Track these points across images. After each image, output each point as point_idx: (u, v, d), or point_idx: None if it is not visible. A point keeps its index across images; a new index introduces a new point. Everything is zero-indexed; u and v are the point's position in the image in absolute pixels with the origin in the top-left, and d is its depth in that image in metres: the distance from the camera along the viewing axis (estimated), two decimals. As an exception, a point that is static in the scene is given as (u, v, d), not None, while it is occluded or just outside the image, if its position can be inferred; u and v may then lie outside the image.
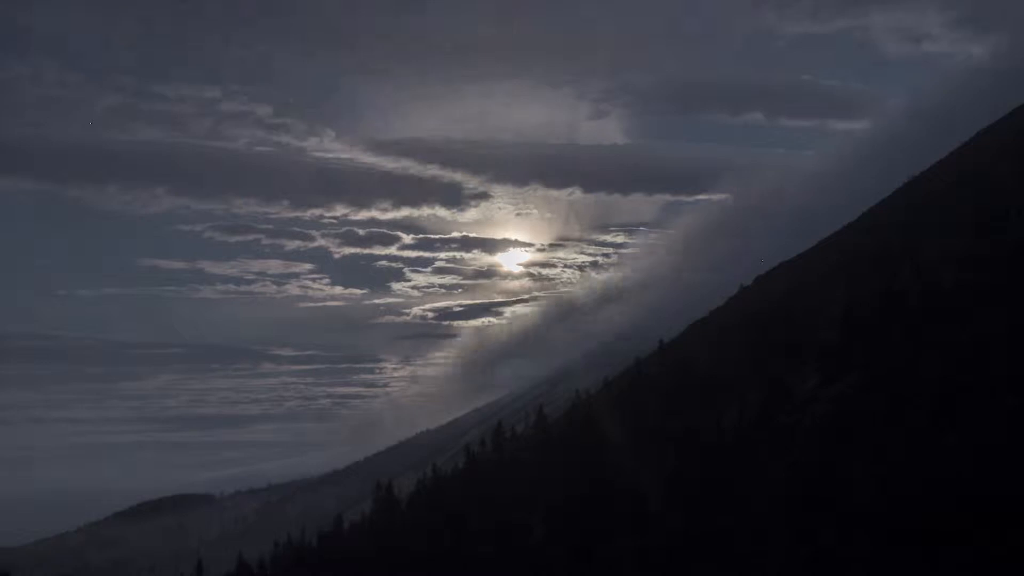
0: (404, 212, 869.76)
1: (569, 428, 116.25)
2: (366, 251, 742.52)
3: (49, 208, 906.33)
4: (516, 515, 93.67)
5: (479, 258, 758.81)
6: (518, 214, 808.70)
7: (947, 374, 71.05)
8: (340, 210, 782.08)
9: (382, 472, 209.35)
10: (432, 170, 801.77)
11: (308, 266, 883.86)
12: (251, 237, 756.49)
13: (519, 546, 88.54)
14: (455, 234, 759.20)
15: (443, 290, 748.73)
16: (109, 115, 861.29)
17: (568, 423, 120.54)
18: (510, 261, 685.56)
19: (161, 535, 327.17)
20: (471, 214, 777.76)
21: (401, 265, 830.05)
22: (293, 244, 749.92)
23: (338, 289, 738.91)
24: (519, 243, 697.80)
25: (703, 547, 71.83)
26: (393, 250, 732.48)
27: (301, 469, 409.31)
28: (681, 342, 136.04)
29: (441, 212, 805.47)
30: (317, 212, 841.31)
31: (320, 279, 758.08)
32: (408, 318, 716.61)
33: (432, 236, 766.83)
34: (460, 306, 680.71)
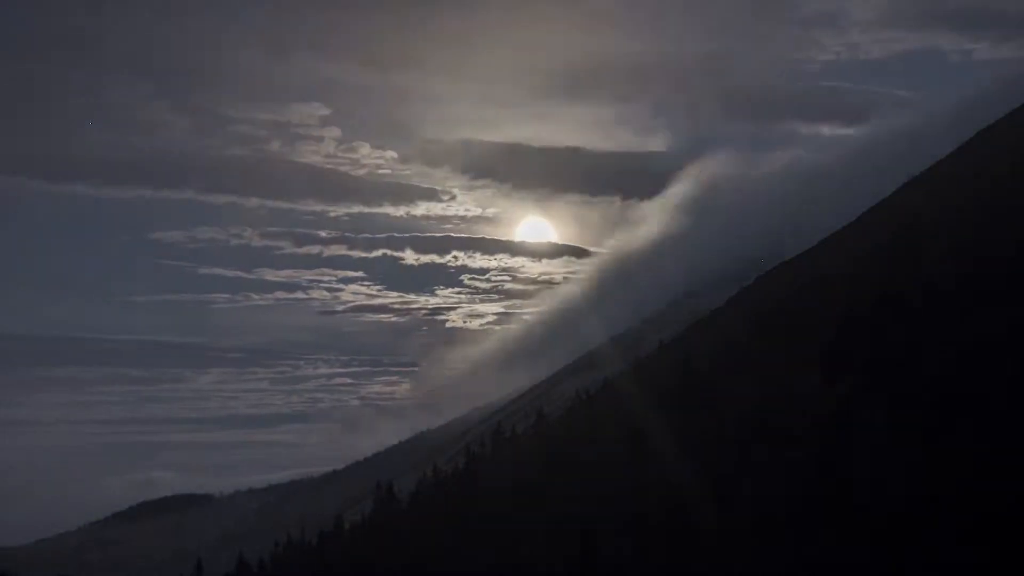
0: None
1: (569, 429, 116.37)
2: (424, 258, 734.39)
3: (113, 215, 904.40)
4: (516, 515, 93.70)
5: (532, 266, 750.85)
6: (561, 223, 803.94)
7: (947, 374, 71.03)
8: (399, 215, 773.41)
9: (382, 472, 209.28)
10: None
11: (360, 273, 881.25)
12: (307, 247, 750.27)
13: (519, 545, 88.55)
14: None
15: (497, 296, 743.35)
16: (189, 129, 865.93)
17: (568, 423, 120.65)
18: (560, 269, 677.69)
19: (161, 535, 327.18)
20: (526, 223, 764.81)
21: (454, 272, 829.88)
22: (348, 252, 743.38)
23: (392, 295, 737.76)
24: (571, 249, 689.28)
25: (703, 546, 71.84)
26: (448, 258, 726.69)
27: (301, 469, 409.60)
28: (681, 342, 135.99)
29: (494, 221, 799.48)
30: (372, 221, 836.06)
31: (372, 285, 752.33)
32: (452, 324, 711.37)
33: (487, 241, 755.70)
34: (503, 312, 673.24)
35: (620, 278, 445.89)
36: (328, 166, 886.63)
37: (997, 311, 73.88)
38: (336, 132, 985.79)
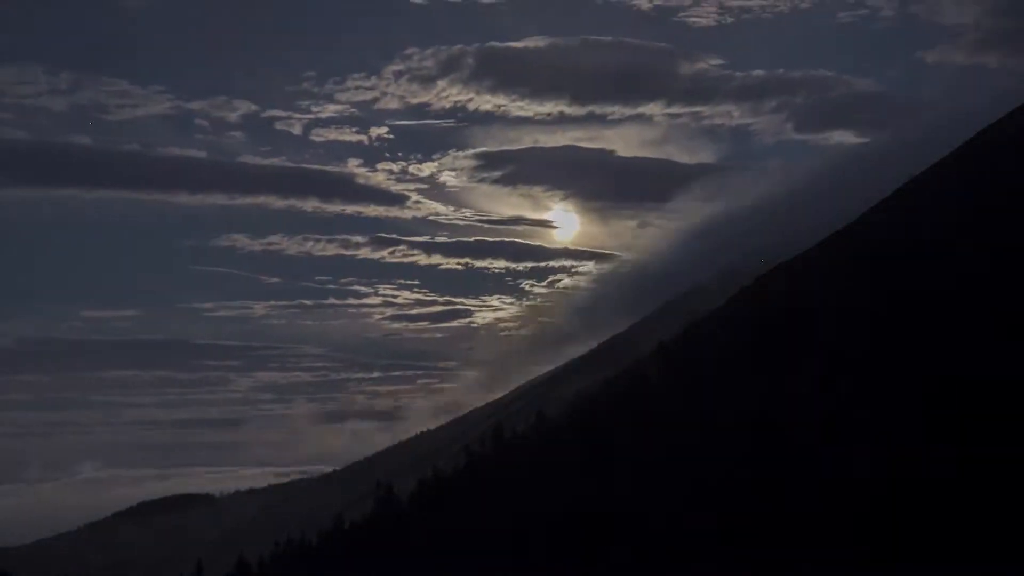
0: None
1: (570, 429, 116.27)
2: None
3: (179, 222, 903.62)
4: (516, 515, 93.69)
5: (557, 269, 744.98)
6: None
7: (947, 373, 71.10)
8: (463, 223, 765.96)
9: (382, 472, 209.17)
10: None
11: (416, 281, 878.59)
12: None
13: (520, 545, 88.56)
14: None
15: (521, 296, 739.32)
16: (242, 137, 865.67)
17: (569, 423, 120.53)
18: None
19: (161, 535, 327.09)
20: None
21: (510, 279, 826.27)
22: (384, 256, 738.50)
23: (445, 299, 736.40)
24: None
25: (703, 545, 71.84)
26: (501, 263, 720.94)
27: (301, 469, 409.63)
28: (681, 342, 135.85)
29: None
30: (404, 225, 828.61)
31: (418, 290, 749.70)
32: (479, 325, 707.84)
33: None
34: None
35: (633, 279, 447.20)
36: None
37: (997, 311, 74.03)
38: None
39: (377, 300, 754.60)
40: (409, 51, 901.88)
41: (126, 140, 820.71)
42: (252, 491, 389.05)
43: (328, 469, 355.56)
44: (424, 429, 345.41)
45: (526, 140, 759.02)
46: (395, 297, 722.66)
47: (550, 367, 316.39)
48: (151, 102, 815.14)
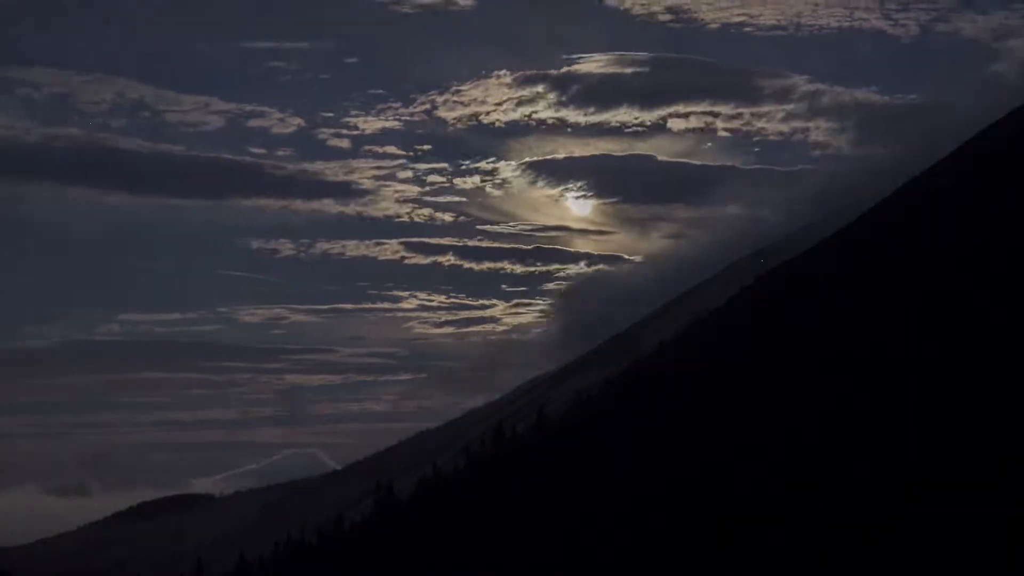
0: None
1: (570, 429, 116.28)
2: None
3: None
4: (516, 514, 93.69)
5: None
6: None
7: (948, 373, 71.12)
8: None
9: (382, 472, 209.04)
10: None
11: (449, 285, 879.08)
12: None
13: (520, 545, 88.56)
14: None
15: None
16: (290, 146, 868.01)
17: (569, 423, 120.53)
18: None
19: (161, 535, 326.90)
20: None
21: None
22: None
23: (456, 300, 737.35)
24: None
25: (703, 545, 71.86)
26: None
27: (301, 469, 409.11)
28: (681, 342, 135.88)
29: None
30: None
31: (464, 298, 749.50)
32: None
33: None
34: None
35: (633, 281, 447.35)
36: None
37: (995, 310, 74.03)
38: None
39: (412, 304, 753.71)
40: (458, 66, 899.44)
41: (174, 144, 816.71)
42: (252, 491, 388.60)
43: (328, 469, 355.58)
44: (424, 429, 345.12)
45: (569, 149, 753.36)
46: (430, 301, 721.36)
47: (550, 367, 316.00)
48: (200, 109, 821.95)
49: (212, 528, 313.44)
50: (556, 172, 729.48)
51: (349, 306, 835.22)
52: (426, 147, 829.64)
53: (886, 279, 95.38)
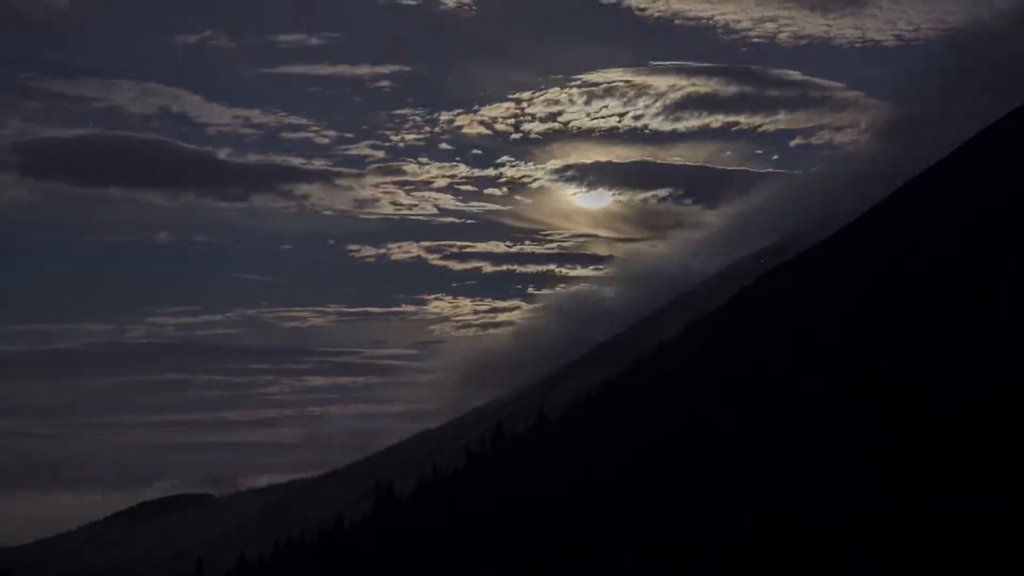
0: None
1: (570, 429, 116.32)
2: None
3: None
4: (516, 514, 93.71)
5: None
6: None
7: (949, 373, 71.09)
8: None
9: (382, 472, 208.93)
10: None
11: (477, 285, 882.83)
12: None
13: (520, 545, 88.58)
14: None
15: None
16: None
17: (569, 423, 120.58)
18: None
19: (161, 535, 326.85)
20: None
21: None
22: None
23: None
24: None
25: (702, 545, 71.86)
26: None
27: (301, 469, 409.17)
28: (681, 342, 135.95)
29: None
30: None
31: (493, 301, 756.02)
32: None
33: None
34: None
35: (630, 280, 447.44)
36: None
37: (996, 309, 74.02)
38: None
39: (441, 306, 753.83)
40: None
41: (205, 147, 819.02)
42: (252, 491, 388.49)
43: (328, 469, 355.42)
44: (424, 429, 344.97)
45: (595, 156, 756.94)
46: (458, 304, 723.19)
47: (550, 367, 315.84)
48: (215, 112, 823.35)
49: (212, 528, 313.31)
50: (584, 177, 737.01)
51: (376, 310, 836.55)
52: (454, 155, 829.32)
53: (886, 278, 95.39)
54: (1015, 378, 66.46)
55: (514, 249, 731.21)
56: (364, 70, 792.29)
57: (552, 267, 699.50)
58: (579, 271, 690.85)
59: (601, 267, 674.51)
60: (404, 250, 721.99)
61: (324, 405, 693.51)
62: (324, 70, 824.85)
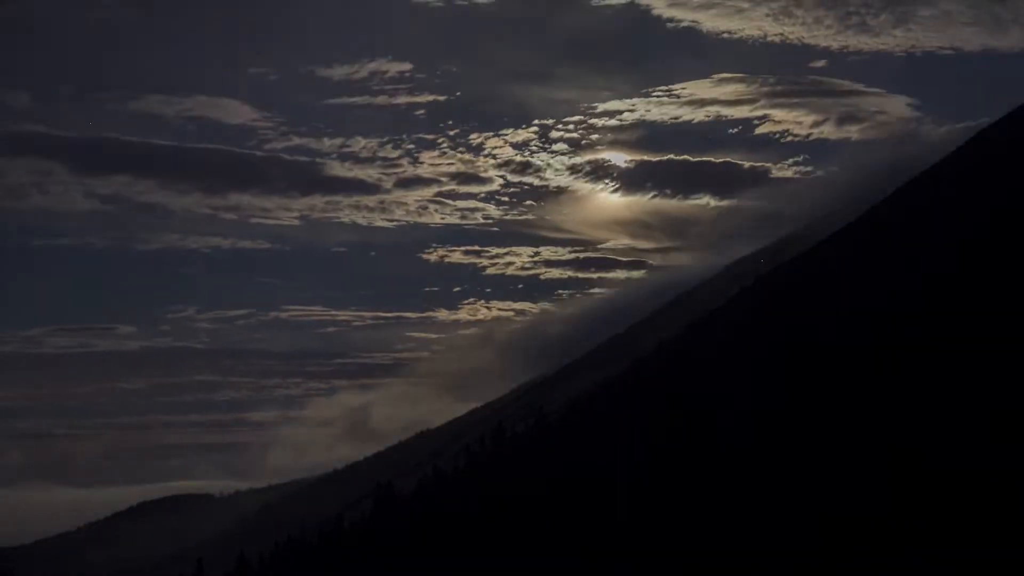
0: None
1: (570, 429, 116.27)
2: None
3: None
4: (516, 515, 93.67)
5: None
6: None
7: (950, 372, 71.09)
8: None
9: (382, 472, 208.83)
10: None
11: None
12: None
13: (520, 545, 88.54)
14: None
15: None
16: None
17: (569, 423, 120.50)
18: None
19: (161, 535, 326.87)
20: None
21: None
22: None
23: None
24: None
25: (703, 543, 71.84)
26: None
27: (301, 469, 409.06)
28: (681, 342, 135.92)
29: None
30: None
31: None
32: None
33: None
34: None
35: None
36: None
37: (995, 310, 73.96)
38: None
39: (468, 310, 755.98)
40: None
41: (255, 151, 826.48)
42: (252, 491, 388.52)
43: (328, 469, 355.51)
44: (424, 429, 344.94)
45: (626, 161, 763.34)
46: (487, 306, 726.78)
47: (550, 367, 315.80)
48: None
49: (212, 528, 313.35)
50: (618, 180, 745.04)
51: (411, 315, 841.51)
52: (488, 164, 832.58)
53: (886, 278, 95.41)
54: (1017, 379, 66.51)
55: (541, 255, 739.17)
56: (402, 99, 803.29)
57: (577, 272, 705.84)
58: (609, 274, 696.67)
59: (628, 272, 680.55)
60: (439, 255, 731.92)
61: (340, 406, 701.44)
62: (382, 101, 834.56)
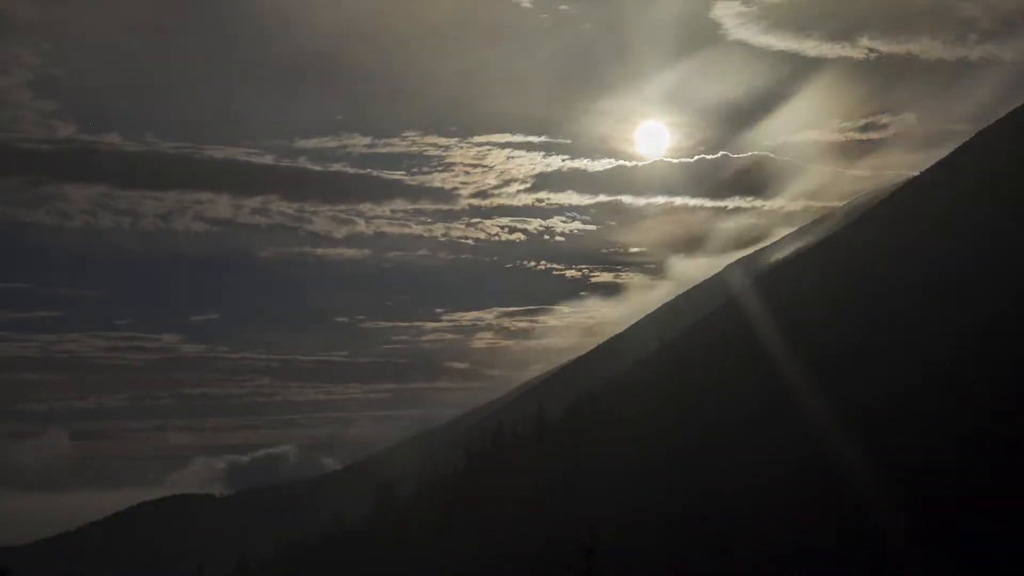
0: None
1: (570, 429, 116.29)
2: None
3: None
4: (515, 515, 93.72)
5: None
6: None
7: (951, 371, 71.08)
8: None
9: (382, 472, 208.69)
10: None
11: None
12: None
13: (520, 545, 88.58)
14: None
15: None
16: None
17: (569, 423, 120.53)
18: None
19: (161, 535, 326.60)
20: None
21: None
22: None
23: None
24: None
25: (703, 544, 71.85)
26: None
27: (301, 469, 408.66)
28: (681, 342, 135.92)
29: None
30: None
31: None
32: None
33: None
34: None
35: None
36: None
37: (996, 309, 73.96)
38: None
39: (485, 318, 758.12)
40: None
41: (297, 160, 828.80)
42: (252, 491, 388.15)
43: (328, 469, 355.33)
44: (424, 429, 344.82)
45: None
46: (505, 311, 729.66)
47: (550, 367, 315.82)
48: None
49: (212, 528, 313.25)
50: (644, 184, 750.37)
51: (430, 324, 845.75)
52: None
53: (886, 277, 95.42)
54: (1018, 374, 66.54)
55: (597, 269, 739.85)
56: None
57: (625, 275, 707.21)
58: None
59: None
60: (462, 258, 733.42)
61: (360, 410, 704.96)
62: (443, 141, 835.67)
